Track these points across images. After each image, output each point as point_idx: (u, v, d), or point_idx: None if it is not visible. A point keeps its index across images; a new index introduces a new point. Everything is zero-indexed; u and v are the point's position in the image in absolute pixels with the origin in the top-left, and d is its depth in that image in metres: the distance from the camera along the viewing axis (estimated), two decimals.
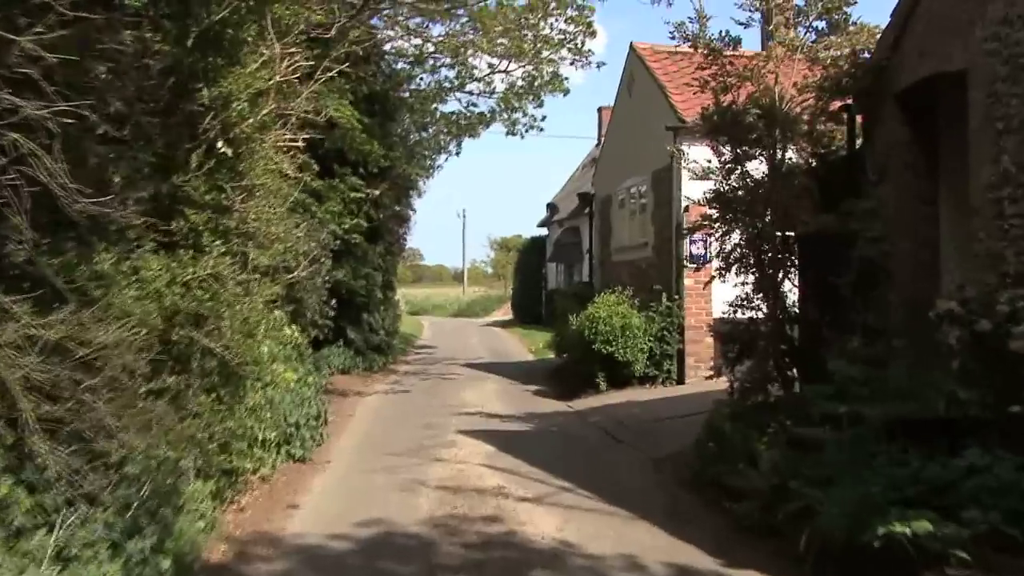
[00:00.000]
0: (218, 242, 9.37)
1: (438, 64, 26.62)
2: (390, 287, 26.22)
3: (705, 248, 18.20)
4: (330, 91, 19.48)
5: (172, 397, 8.36)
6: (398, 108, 24.85)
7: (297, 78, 12.25)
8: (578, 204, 48.67)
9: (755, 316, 12.40)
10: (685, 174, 18.05)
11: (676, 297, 18.70)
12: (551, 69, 26.34)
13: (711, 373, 18.13)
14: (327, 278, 15.95)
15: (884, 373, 9.39)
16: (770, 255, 12.00)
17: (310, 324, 15.49)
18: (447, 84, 26.88)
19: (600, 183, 26.03)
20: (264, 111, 10.58)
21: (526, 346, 34.95)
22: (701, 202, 12.83)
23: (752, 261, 12.36)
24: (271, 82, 10.83)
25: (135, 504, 6.97)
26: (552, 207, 53.84)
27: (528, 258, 53.60)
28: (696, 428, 12.57)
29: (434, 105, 28.17)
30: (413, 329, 43.34)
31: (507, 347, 35.67)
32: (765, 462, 9.43)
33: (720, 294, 18.15)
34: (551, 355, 28.68)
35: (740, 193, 12.12)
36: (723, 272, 12.68)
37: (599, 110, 57.08)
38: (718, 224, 12.54)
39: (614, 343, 18.21)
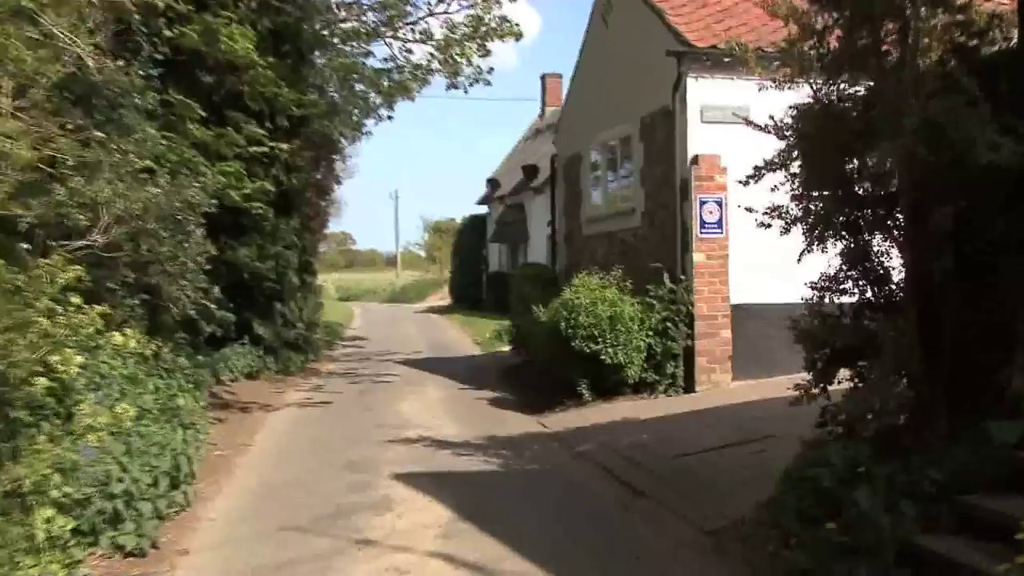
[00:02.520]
0: None
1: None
2: (309, 270, 21.52)
3: (721, 211, 13.81)
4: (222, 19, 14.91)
5: None
6: (314, 48, 20.07)
7: None
8: (523, 178, 44.51)
9: (865, 303, 8.08)
10: (694, 114, 13.72)
11: (682, 278, 14.22)
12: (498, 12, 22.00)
13: (730, 377, 13.93)
14: (201, 255, 11.07)
15: None
16: (908, 209, 7.52)
17: (178, 321, 10.76)
18: (375, 23, 22.09)
19: (564, 141, 21.44)
20: None
21: (470, 336, 30.78)
22: (772, 128, 8.40)
23: (864, 220, 8.00)
24: None
25: None
26: (493, 182, 49.51)
27: (467, 238, 49.54)
28: (750, 469, 9.00)
29: (360, 57, 23.45)
30: (342, 317, 38.66)
31: (448, 338, 31.30)
32: None
33: (741, 272, 13.88)
34: (502, 347, 24.47)
35: (847, 106, 7.65)
36: (814, 244, 8.33)
37: (543, 77, 53.11)
38: (805, 162, 8.10)
39: (601, 340, 13.72)
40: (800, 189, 8.35)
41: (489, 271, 46.34)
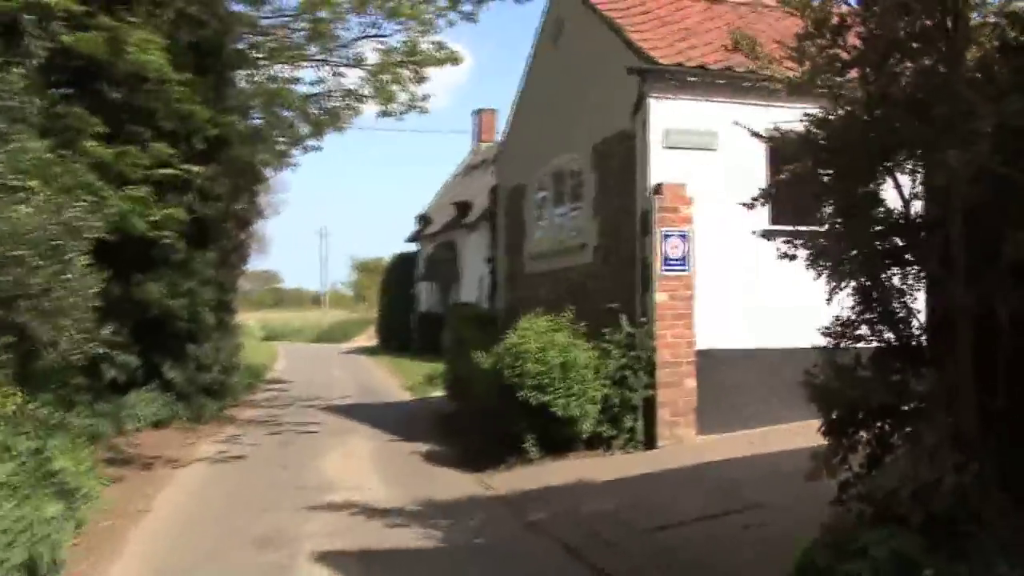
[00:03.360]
0: None
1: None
2: (227, 308, 19.72)
3: (686, 246, 12.41)
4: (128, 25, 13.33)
5: None
6: (237, 66, 18.46)
7: None
8: (455, 215, 43.05)
9: (888, 350, 6.70)
10: (656, 138, 12.35)
11: (642, 320, 12.76)
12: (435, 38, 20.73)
13: (694, 431, 12.48)
14: (87, 290, 9.22)
15: None
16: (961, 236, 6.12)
17: (58, 362, 9.01)
18: (301, 41, 20.55)
19: (506, 172, 19.98)
20: None
21: (399, 380, 29.09)
22: (775, 141, 7.07)
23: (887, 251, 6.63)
24: None
25: None
26: (424, 219, 48.07)
27: (396, 277, 47.95)
28: (748, 549, 7.73)
29: (287, 83, 21.89)
30: (265, 358, 36.60)
31: (377, 381, 29.56)
32: None
33: (708, 314, 12.48)
34: (433, 392, 22.84)
35: (880, 112, 6.28)
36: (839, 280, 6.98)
37: (476, 112, 51.99)
38: (839, 178, 6.76)
39: (551, 390, 12.20)
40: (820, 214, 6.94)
41: (418, 311, 44.73)
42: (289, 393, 24.76)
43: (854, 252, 6.91)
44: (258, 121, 21.87)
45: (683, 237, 12.58)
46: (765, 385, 13.08)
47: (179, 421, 16.73)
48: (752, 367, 13.08)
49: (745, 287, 12.99)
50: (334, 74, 21.65)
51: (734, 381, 12.96)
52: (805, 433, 12.63)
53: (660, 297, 12.55)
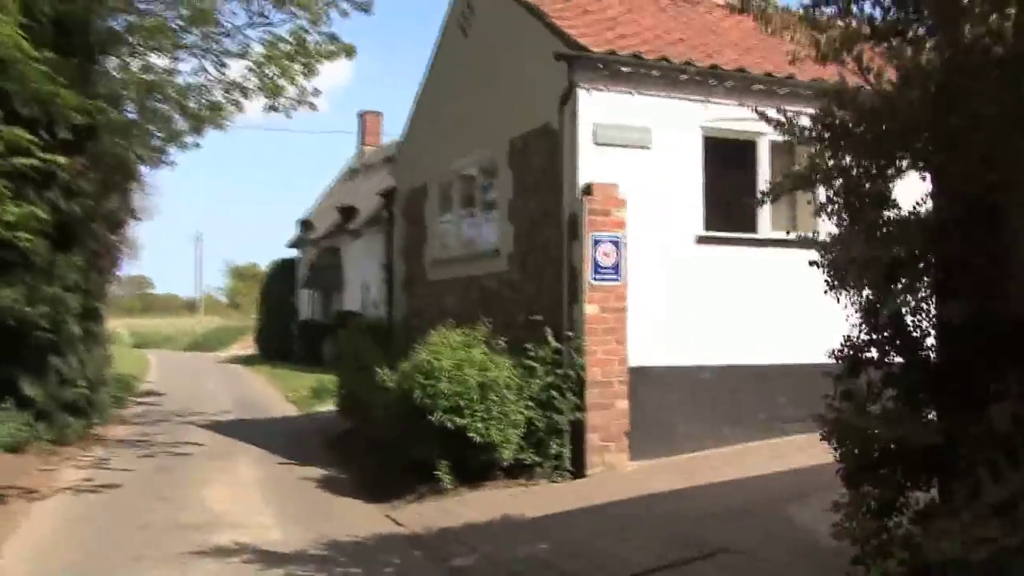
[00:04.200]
0: None
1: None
2: (95, 317, 17.88)
3: (619, 253, 11.25)
4: None
5: None
6: (107, 47, 16.67)
7: None
8: (338, 220, 41.36)
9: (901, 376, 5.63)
10: (586, 133, 11.16)
11: (569, 335, 11.51)
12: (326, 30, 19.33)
13: (627, 456, 11.31)
14: None
15: None
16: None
17: None
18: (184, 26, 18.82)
19: (405, 174, 18.53)
20: None
21: (282, 392, 27.47)
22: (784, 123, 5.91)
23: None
24: None
25: None
26: (306, 224, 46.20)
27: (276, 284, 46.09)
28: None
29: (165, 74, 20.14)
30: (136, 369, 34.32)
31: (258, 394, 27.85)
32: None
33: (640, 329, 11.33)
34: (320, 407, 21.35)
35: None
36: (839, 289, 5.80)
37: (361, 115, 50.50)
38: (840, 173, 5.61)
39: (468, 412, 10.88)
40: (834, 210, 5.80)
41: (299, 320, 42.94)
42: (164, 408, 22.86)
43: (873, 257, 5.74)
44: (132, 115, 20.06)
45: (615, 243, 11.41)
46: (699, 405, 12.03)
47: (39, 443, 14.83)
48: (685, 386, 12.00)
49: (678, 299, 11.91)
50: (218, 65, 20.00)
51: (667, 401, 11.85)
52: (743, 459, 11.61)
53: (590, 309, 11.33)
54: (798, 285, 12.71)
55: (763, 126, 12.73)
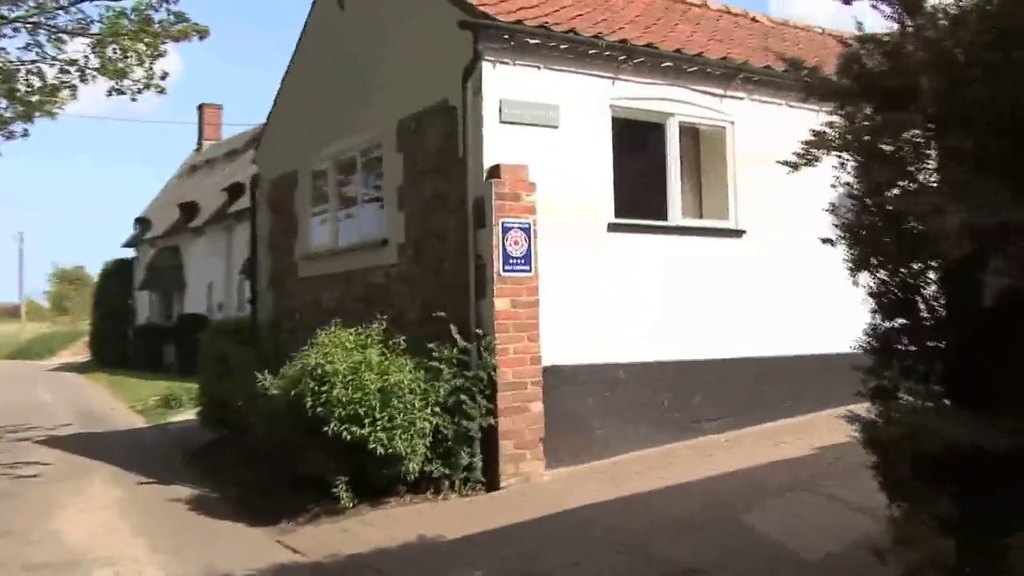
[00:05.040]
0: None
1: None
2: None
3: (530, 242, 10.26)
4: None
5: None
6: None
7: None
8: (179, 217, 39.23)
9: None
10: (491, 110, 10.14)
11: (478, 332, 10.40)
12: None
13: (543, 464, 10.32)
14: None
15: None
16: None
17: None
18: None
19: (269, 160, 17.01)
20: None
21: (126, 402, 25.56)
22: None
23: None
24: None
25: None
26: (143, 222, 43.74)
27: (111, 286, 43.44)
28: None
29: None
30: None
31: (98, 404, 25.89)
32: None
33: (551, 324, 10.38)
34: (173, 416, 19.88)
35: None
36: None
37: (200, 108, 48.38)
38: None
39: (369, 421, 9.69)
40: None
41: (137, 324, 40.59)
42: None
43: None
44: None
45: (526, 230, 10.37)
46: (615, 406, 11.14)
47: None
48: (600, 386, 11.08)
49: (589, 292, 10.98)
50: (55, 42, 18.27)
51: (582, 403, 10.90)
52: (668, 463, 10.73)
53: (500, 304, 10.25)
54: (711, 275, 12.13)
55: (672, 106, 12.06)
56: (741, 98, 12.39)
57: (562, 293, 10.67)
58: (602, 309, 11.05)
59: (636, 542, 7.58)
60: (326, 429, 9.73)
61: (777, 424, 12.12)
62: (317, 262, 14.71)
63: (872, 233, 5.01)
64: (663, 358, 11.46)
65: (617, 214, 11.36)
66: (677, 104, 11.88)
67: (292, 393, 10.29)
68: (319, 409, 9.83)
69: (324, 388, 9.90)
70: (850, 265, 5.17)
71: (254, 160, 18.19)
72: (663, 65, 11.62)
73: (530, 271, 10.40)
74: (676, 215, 11.86)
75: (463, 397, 10.13)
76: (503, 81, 10.50)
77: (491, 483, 10.13)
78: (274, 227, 16.47)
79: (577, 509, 8.92)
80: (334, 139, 13.98)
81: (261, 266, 17.00)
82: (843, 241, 5.14)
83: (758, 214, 12.30)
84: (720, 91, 12.21)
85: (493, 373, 10.18)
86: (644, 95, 11.63)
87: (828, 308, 12.41)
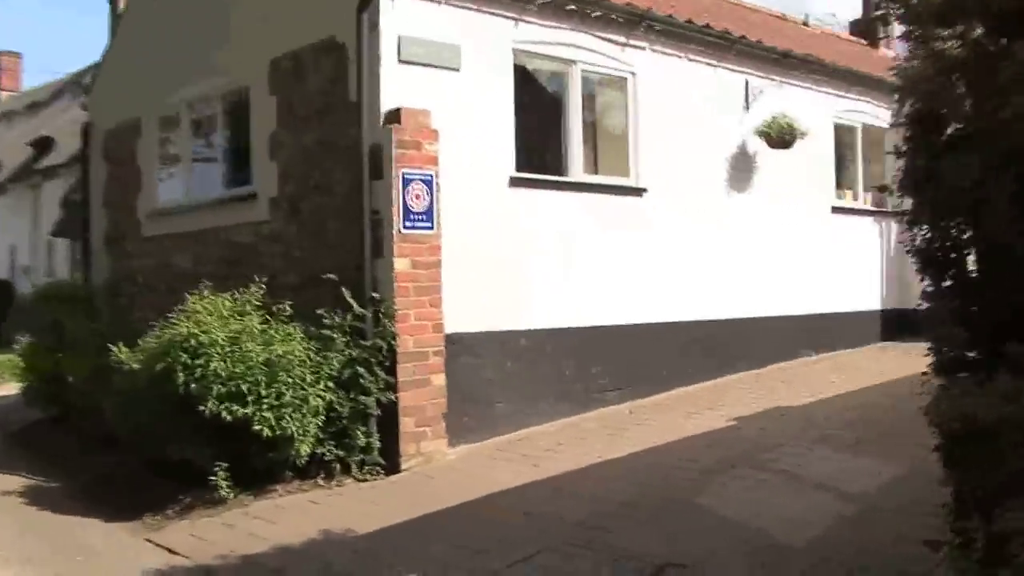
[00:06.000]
0: None
1: None
2: None
3: (432, 195, 9.22)
4: None
5: None
6: None
7: None
8: None
9: None
10: (390, 48, 9.03)
11: (374, 296, 9.26)
12: None
13: (445, 442, 9.34)
14: None
15: None
16: None
17: None
18: None
19: (105, 106, 15.14)
20: None
21: None
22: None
23: None
24: None
25: None
26: None
27: None
28: None
29: None
30: None
31: None
32: None
33: (453, 288, 9.40)
34: None
35: None
36: None
37: None
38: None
39: (253, 399, 8.48)
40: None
41: None
42: None
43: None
44: None
45: (428, 183, 9.28)
46: (517, 377, 10.26)
47: None
48: (501, 355, 10.17)
49: (490, 252, 10.03)
50: None
51: (483, 374, 9.97)
52: (579, 438, 9.87)
53: (400, 264, 9.14)
54: (611, 236, 11.33)
55: (575, 52, 11.14)
56: (643, 48, 11.59)
57: (463, 253, 9.66)
58: (504, 273, 10.13)
59: (591, 535, 6.68)
60: (202, 408, 8.46)
61: (679, 392, 11.54)
62: (166, 220, 13.16)
63: None
64: (565, 324, 10.64)
65: (519, 168, 10.42)
66: (580, 51, 11.01)
67: (157, 368, 8.93)
68: (193, 386, 8.55)
69: (199, 362, 8.62)
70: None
71: (84, 106, 16.29)
72: (568, 8, 10.69)
73: (432, 228, 9.34)
74: (577, 170, 11.04)
75: (360, 369, 9.01)
76: (401, 16, 9.36)
77: (391, 465, 9.05)
78: (111, 181, 14.73)
79: (498, 494, 7.98)
80: (189, 81, 12.43)
81: (95, 225, 15.23)
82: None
83: (659, 171, 11.58)
84: (623, 39, 11.38)
85: (393, 342, 9.09)
86: (547, 39, 10.70)
87: (730, 271, 11.93)
